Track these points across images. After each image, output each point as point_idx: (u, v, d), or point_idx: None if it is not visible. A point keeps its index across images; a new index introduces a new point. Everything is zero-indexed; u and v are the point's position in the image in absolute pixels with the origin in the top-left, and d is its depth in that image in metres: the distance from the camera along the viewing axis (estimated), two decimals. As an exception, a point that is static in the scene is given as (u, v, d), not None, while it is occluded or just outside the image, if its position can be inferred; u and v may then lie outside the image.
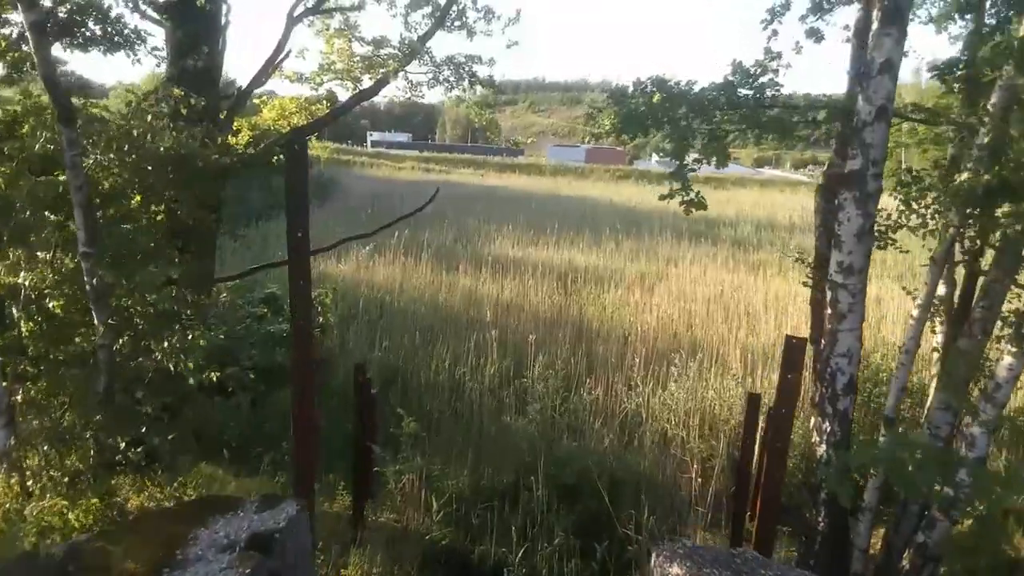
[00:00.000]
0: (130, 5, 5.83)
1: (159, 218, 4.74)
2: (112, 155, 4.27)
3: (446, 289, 15.13)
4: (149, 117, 4.39)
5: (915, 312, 5.86)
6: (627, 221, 27.34)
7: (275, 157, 7.24)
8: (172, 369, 4.41)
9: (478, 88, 9.46)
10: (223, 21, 7.12)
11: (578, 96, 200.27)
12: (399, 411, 6.84)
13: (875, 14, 4.47)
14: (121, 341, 4.53)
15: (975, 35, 5.59)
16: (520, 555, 6.33)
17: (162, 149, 4.38)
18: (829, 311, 4.73)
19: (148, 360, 4.49)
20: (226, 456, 7.56)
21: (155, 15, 6.37)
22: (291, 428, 4.12)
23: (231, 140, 7.47)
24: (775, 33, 6.48)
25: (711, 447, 7.55)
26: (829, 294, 4.70)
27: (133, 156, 4.24)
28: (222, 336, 5.03)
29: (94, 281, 4.40)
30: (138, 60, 5.76)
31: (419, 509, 6.92)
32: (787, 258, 21.20)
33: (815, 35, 6.61)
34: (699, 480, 6.84)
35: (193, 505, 4.33)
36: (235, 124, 7.87)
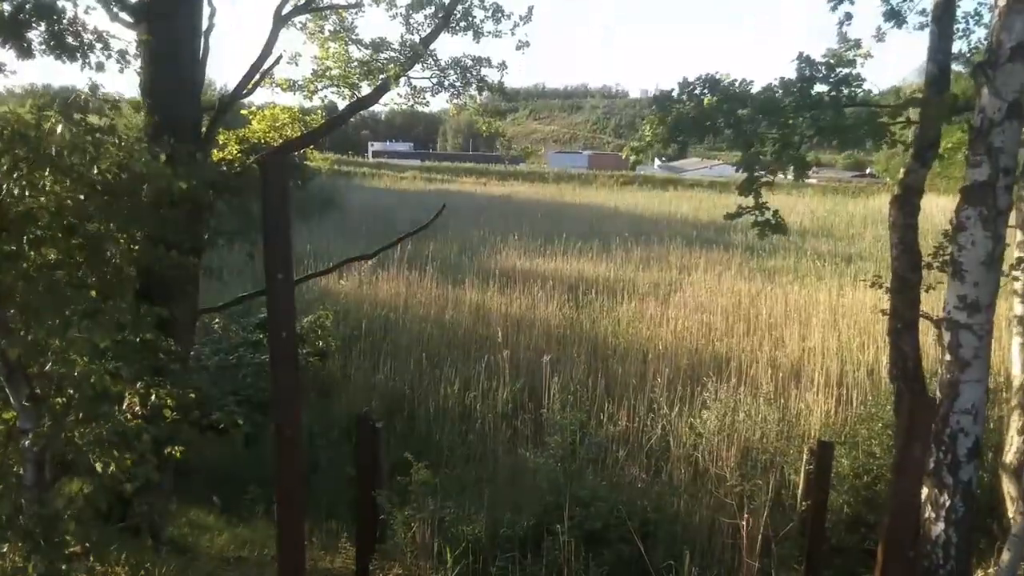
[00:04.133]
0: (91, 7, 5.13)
1: (84, 260, 3.79)
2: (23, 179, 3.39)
3: (452, 305, 14.46)
4: (60, 128, 3.47)
5: (1018, 337, 5.05)
6: (635, 228, 26.70)
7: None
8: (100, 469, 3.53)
9: (485, 94, 8.80)
10: (206, 25, 6.45)
11: (578, 103, 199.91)
12: (407, 456, 6.14)
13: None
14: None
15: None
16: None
17: (95, 171, 3.59)
18: (948, 356, 3.96)
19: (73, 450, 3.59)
20: (217, 503, 6.87)
21: (127, 18, 5.72)
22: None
23: (216, 155, 6.81)
24: (848, 17, 5.68)
25: (754, 485, 6.85)
26: (947, 335, 3.95)
27: (49, 180, 3.40)
28: (192, 395, 4.25)
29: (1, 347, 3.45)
30: (91, 67, 5.03)
31: (431, 561, 6.21)
32: (805, 264, 20.60)
33: (896, 18, 5.77)
34: (746, 524, 6.13)
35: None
36: (221, 137, 7.21)
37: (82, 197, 3.39)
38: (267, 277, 2.65)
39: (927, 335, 7.86)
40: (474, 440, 8.92)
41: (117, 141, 3.71)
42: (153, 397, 3.86)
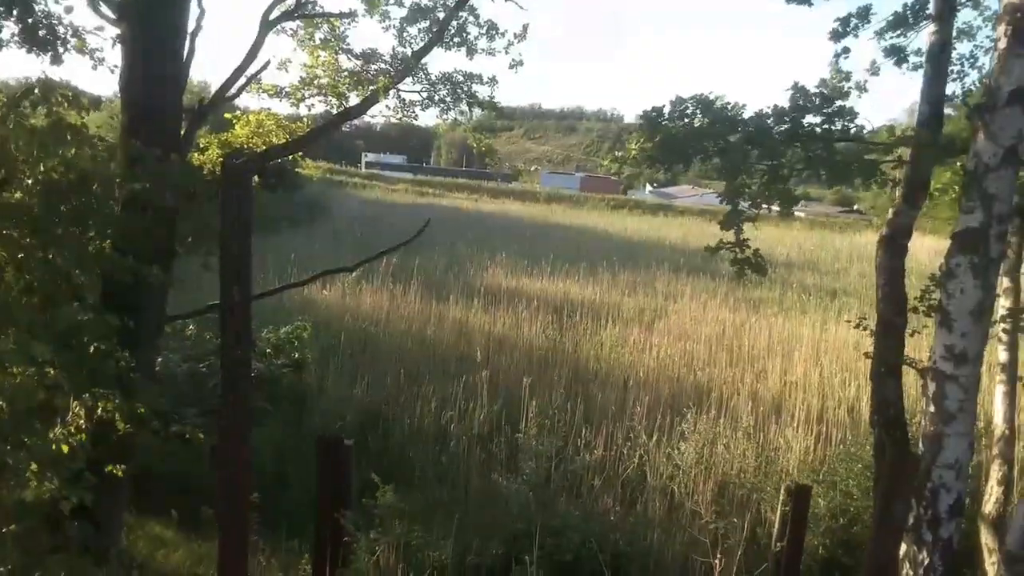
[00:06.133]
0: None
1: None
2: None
3: (435, 321, 14.30)
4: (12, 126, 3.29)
5: (1001, 385, 4.97)
6: (623, 252, 26.69)
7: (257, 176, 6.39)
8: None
9: (476, 111, 8.71)
10: (193, 27, 6.32)
11: (573, 124, 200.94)
12: (374, 478, 5.95)
13: (1002, 29, 3.69)
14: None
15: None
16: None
17: (40, 169, 3.40)
18: (932, 408, 3.85)
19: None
20: (175, 516, 6.63)
21: (109, 13, 5.58)
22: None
23: (196, 158, 6.66)
24: (846, 51, 5.65)
25: (729, 523, 6.71)
26: (931, 386, 3.83)
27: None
28: (141, 410, 4.04)
29: None
30: (59, 61, 4.87)
31: (394, 588, 5.99)
32: (790, 296, 20.61)
33: (897, 54, 5.73)
34: (719, 563, 5.98)
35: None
36: (203, 140, 7.07)
37: (23, 196, 3.23)
38: (221, 293, 2.50)
39: (909, 378, 7.82)
40: (447, 461, 8.73)
41: (67, 138, 3.53)
42: (100, 410, 3.66)
